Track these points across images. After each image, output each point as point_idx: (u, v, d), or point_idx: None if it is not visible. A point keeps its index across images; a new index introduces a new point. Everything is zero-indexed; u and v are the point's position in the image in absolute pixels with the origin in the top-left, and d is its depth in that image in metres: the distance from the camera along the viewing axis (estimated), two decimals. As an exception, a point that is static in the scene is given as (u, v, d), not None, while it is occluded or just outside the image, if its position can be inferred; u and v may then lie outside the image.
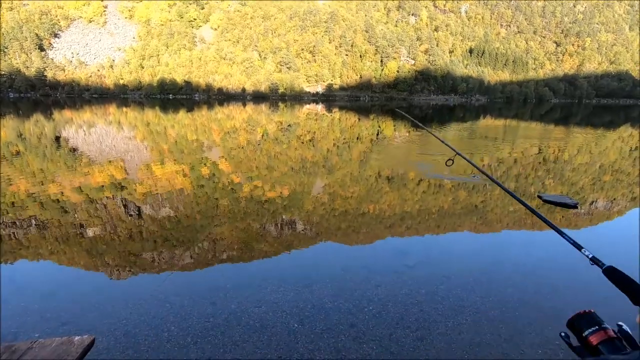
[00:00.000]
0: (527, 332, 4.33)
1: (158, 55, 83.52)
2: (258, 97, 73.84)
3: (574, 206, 8.86)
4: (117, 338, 4.11)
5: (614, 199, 10.16)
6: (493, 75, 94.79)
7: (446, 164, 2.80)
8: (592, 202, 9.88)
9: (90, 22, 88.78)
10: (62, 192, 9.78)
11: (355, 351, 3.96)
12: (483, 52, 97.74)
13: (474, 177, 11.47)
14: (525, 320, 4.54)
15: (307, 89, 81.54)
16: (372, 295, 5.04)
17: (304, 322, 4.45)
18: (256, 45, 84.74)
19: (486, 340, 4.18)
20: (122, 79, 78.39)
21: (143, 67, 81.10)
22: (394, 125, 30.93)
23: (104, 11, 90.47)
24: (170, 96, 74.50)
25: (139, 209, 8.86)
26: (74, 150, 17.06)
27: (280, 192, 10.33)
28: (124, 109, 45.71)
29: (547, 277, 5.66)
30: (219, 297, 5.00)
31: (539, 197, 9.46)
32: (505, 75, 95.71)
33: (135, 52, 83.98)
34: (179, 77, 77.42)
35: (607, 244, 7.27)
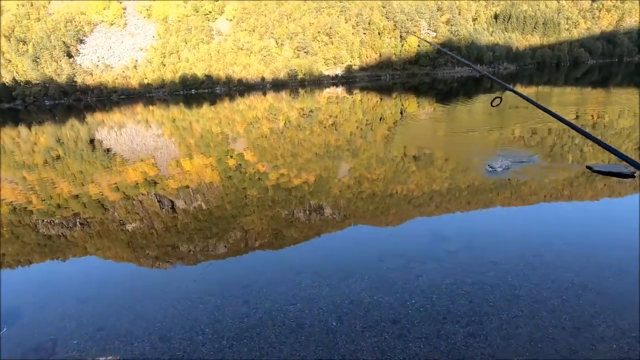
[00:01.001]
0: (595, 323, 3.79)
1: (178, 51, 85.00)
2: (277, 85, 73.88)
3: (631, 175, 8.05)
4: (153, 343, 4.03)
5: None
6: (522, 40, 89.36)
7: (492, 104, 2.27)
8: None
9: (112, 25, 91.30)
10: (101, 192, 10.33)
11: (400, 351, 3.62)
12: (509, 17, 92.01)
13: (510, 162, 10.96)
14: (592, 308, 4.01)
15: (326, 73, 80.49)
16: (413, 287, 4.66)
17: (343, 319, 4.17)
18: (272, 33, 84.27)
19: (548, 334, 3.68)
20: (146, 78, 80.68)
21: (165, 65, 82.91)
22: (418, 102, 30.05)
23: (123, 13, 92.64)
24: (193, 91, 75.97)
25: (172, 203, 9.23)
26: (108, 150, 17.89)
27: (306, 179, 10.39)
28: (150, 107, 47.20)
29: (609, 257, 5.08)
30: (252, 295, 4.81)
31: (588, 167, 8.74)
32: (535, 40, 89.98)
33: (156, 51, 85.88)
34: (200, 72, 78.68)
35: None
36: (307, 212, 8.02)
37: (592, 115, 16.71)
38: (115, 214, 8.64)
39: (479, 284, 4.61)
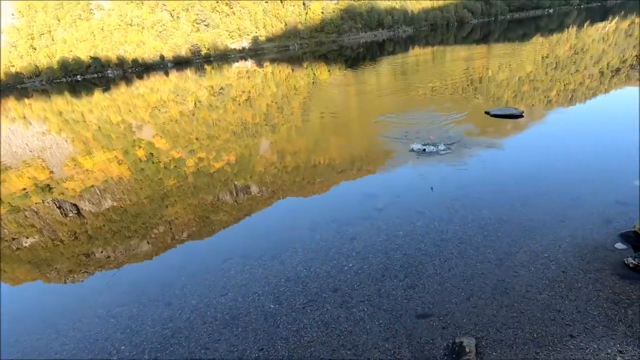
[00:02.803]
0: (514, 251, 4.36)
1: (50, 31, 71.89)
2: (180, 63, 67.80)
3: (520, 115, 9.80)
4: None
5: (545, 103, 11.19)
6: (416, 4, 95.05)
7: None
8: (531, 107, 10.82)
9: (-51, 1, 73.08)
10: (-22, 208, 8.64)
11: (345, 319, 3.64)
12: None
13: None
14: (509, 239, 4.58)
15: (232, 46, 76.16)
16: (348, 251, 4.75)
17: (281, 300, 4.04)
18: (164, 5, 75.93)
19: (477, 270, 4.09)
20: (12, 66, 67.13)
21: (35, 49, 69.79)
22: (329, 70, 30.47)
23: (-37, -15, 74.36)
24: (79, 77, 65.78)
25: (76, 207, 8.16)
26: (-22, 158, 14.84)
27: (228, 160, 10.01)
28: (26, 100, 39.82)
29: (518, 191, 5.83)
30: (174, 295, 4.37)
31: (487, 113, 10.30)
32: (427, 3, 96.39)
33: (20, 32, 71.48)
34: (83, 54, 67.97)
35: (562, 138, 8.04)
36: (234, 193, 7.81)
37: (478, 70, 18.85)
38: (5, 231, 7.37)
39: (410, 235, 4.95)
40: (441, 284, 3.99)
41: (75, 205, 8.27)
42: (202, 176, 8.94)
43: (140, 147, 12.98)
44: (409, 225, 5.21)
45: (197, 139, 12.78)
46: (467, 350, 3.07)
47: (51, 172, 11.27)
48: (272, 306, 3.97)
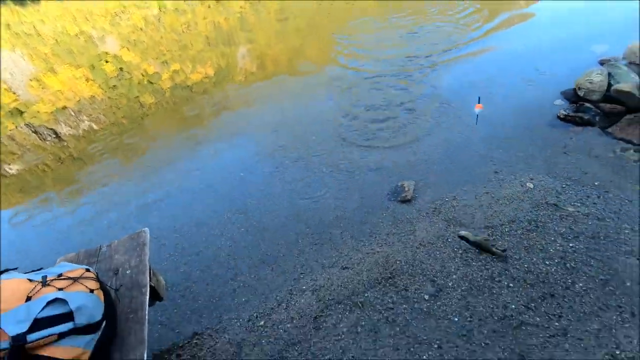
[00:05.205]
0: (463, 114, 5.00)
1: None
2: (134, -44, 58.14)
3: None
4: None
5: None
6: None
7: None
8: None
9: None
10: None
11: (305, 177, 4.44)
12: None
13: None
14: (460, 102, 5.20)
15: None
16: (313, 129, 5.34)
17: (252, 170, 4.72)
18: None
19: (425, 131, 4.99)
20: None
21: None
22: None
23: None
24: (17, -21, 56.63)
25: (54, 131, 7.85)
26: None
27: (205, 72, 9.40)
28: (-37, 12, 34.64)
29: (484, 71, 6.07)
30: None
31: None
32: None
33: None
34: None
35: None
36: (214, 107, 7.53)
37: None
38: (-16, 159, 7.17)
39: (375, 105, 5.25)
40: (393, 147, 4.95)
41: (51, 129, 7.94)
42: (180, 90, 8.50)
43: (107, 61, 11.93)
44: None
45: (168, 49, 11.75)
46: (407, 188, 4.09)
47: (16, 94, 10.50)
48: (241, 174, 4.94)
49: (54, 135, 7.66)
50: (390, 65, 7.38)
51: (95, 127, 7.68)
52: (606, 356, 2.43)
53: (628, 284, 2.81)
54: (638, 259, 2.96)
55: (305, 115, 6.31)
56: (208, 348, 2.84)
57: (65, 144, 7.27)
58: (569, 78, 5.41)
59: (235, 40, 11.47)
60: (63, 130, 7.82)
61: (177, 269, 3.61)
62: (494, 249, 3.19)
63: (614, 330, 2.55)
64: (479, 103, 4.94)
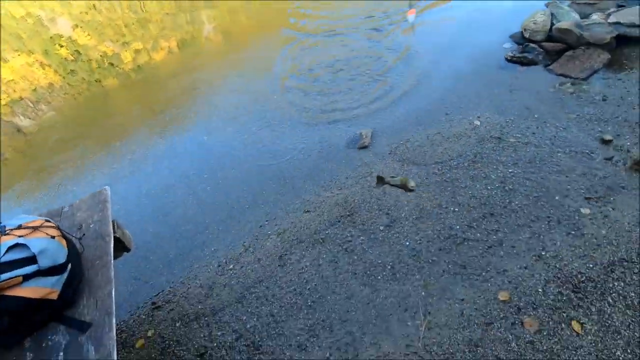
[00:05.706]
0: (434, 68, 5.20)
1: None
2: None
3: None
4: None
5: None
6: None
7: None
8: None
9: None
10: None
11: (269, 135, 4.62)
12: None
13: None
14: (431, 57, 5.37)
15: None
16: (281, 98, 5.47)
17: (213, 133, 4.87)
18: None
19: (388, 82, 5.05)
20: None
21: None
22: None
23: None
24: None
25: (13, 124, 7.61)
26: None
27: (169, 48, 9.17)
28: None
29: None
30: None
31: None
32: None
33: None
34: None
35: None
36: (182, 84, 7.44)
37: None
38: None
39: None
40: (355, 99, 5.17)
41: (10, 122, 7.69)
42: (145, 71, 8.33)
43: (61, 45, 11.35)
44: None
45: (126, 27, 11.28)
46: (364, 136, 4.31)
47: (-33, 87, 9.99)
48: (204, 138, 5.16)
49: (13, 128, 7.45)
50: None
51: (57, 116, 7.49)
52: (534, 257, 2.75)
53: (557, 197, 3.13)
54: (566, 177, 3.28)
55: (266, 76, 6.41)
56: (181, 294, 3.04)
57: (28, 136, 7.10)
58: (518, 22, 5.64)
59: (195, 9, 11.11)
60: (22, 122, 7.59)
61: (146, 229, 3.75)
62: (408, 186, 3.55)
63: (542, 237, 2.87)
64: (411, 8, 5.21)
